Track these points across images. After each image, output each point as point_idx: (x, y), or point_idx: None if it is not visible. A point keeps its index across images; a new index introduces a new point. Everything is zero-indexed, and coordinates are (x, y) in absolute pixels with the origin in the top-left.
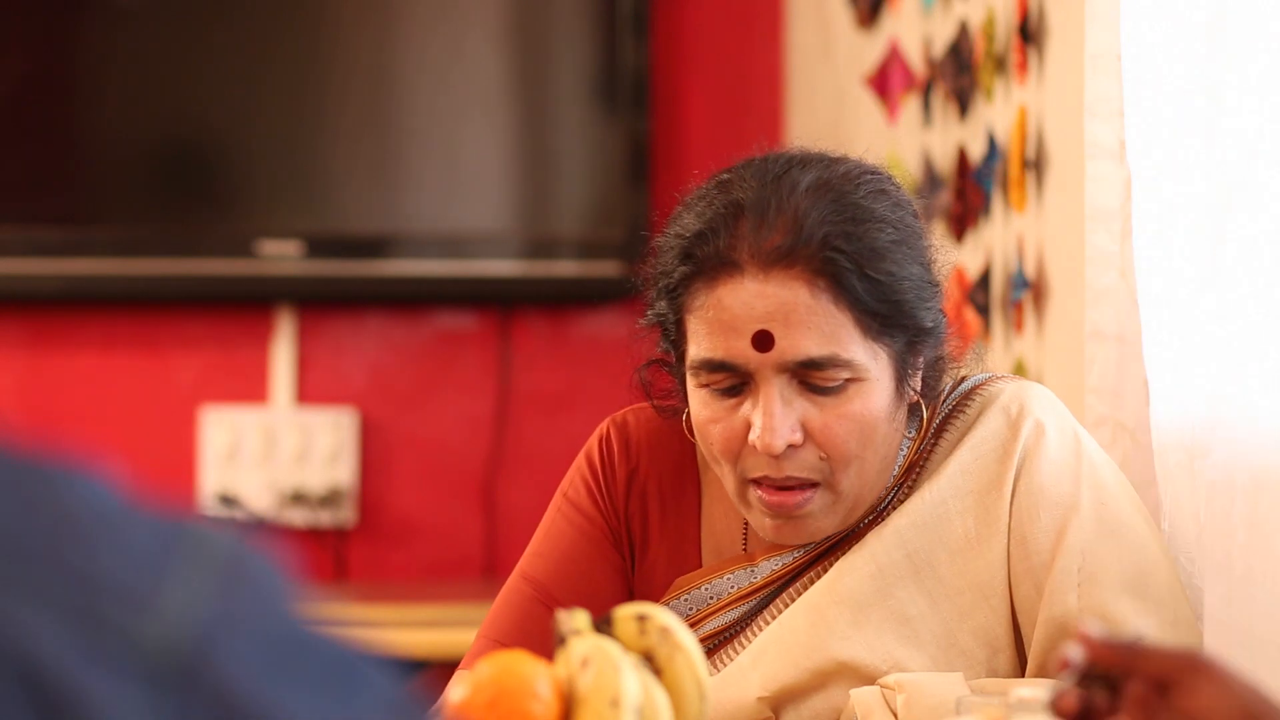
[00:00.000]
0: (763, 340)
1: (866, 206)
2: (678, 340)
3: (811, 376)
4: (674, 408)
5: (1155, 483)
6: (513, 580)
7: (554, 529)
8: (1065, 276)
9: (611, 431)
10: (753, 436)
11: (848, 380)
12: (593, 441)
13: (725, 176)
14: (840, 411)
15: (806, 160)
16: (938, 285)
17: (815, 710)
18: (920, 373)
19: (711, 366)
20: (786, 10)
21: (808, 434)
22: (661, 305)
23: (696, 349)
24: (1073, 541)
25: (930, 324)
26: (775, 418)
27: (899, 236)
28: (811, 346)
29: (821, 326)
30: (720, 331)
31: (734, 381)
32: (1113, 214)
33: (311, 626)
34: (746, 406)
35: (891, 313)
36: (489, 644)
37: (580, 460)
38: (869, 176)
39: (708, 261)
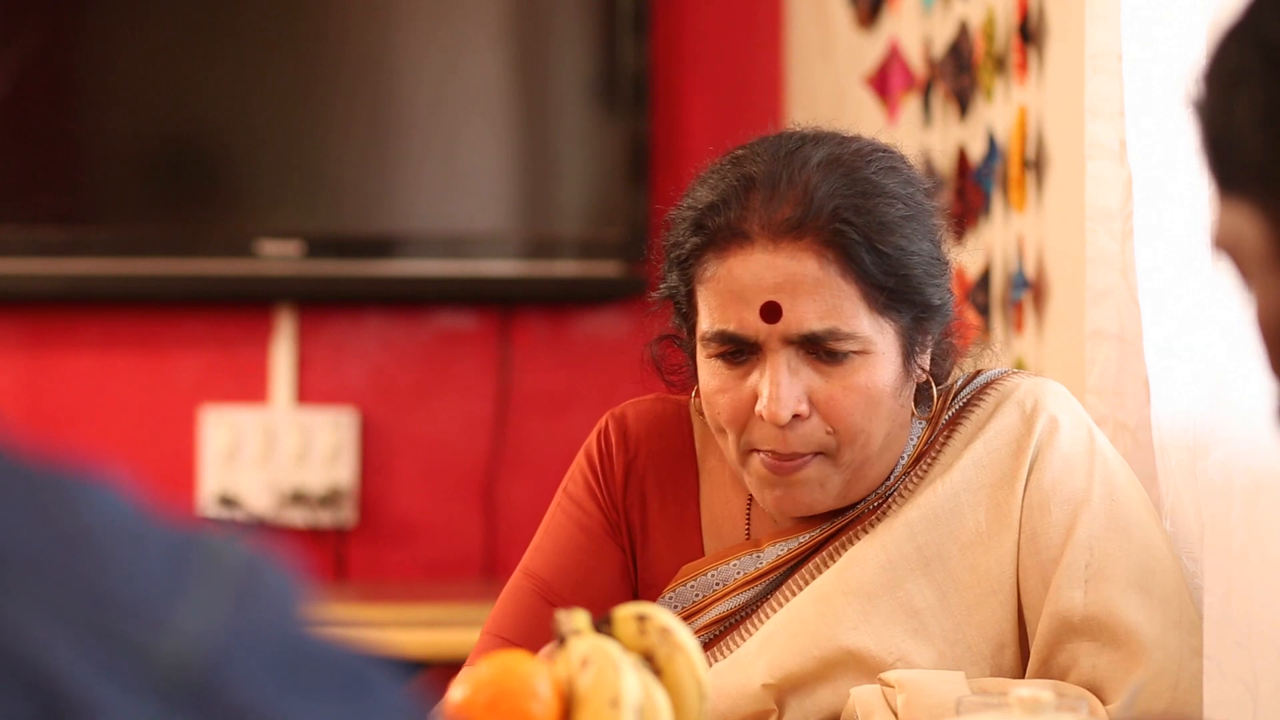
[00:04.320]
0: (771, 311)
1: (877, 182)
2: (688, 313)
3: (818, 348)
4: (684, 383)
5: (1156, 482)
6: (515, 577)
7: (554, 524)
8: (1065, 276)
9: (610, 425)
10: (759, 406)
11: (854, 352)
12: (592, 437)
13: (739, 152)
14: (846, 383)
15: (820, 137)
16: (946, 263)
17: (820, 700)
18: (928, 351)
19: (722, 338)
20: (786, 10)
21: (813, 405)
22: (673, 277)
23: (707, 320)
24: (1082, 536)
25: (938, 301)
26: (782, 387)
27: (909, 212)
28: (817, 319)
29: (828, 299)
30: (730, 302)
31: (743, 352)
32: (1113, 214)
33: (323, 638)
34: (754, 377)
35: (899, 286)
36: (493, 640)
37: (580, 456)
38: (881, 154)
39: (719, 233)
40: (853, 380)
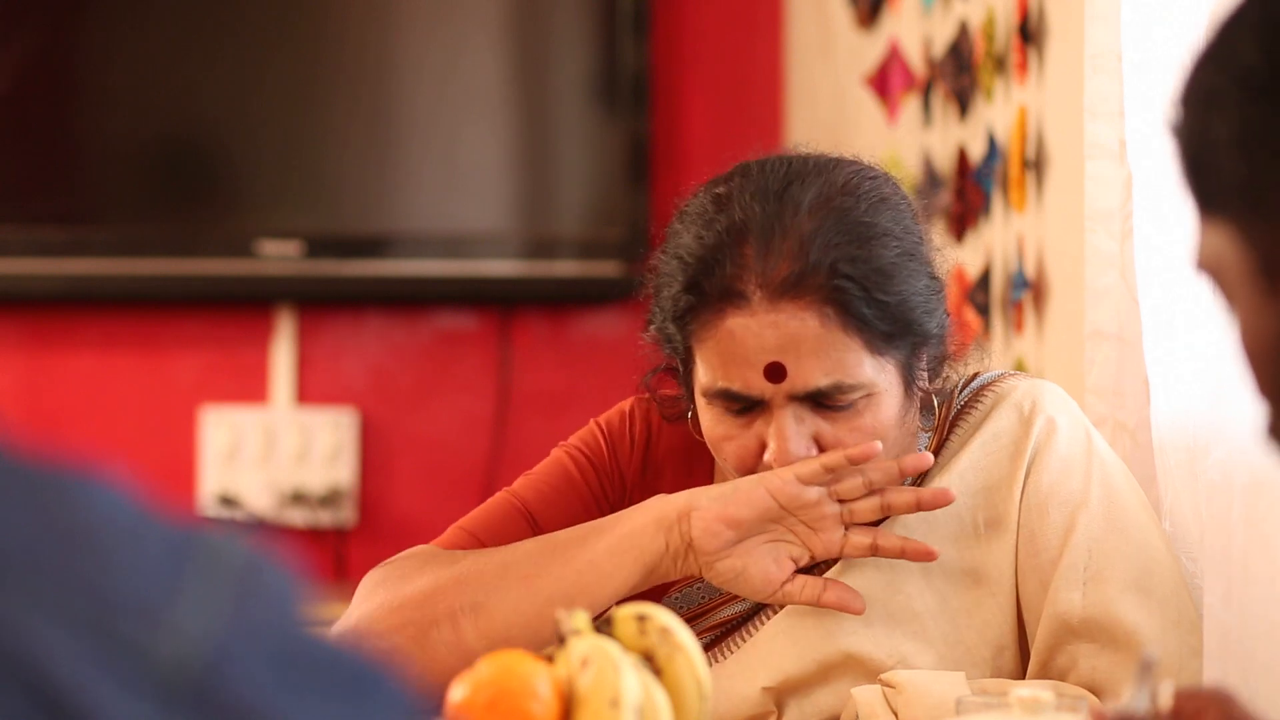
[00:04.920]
0: (775, 372)
1: (870, 222)
2: (685, 359)
3: (824, 399)
4: (680, 412)
5: (1155, 482)
6: (502, 495)
7: (556, 466)
8: (1065, 276)
9: (636, 410)
10: (768, 456)
11: (859, 397)
12: (614, 413)
13: (721, 190)
14: (853, 425)
15: (804, 172)
16: (941, 288)
17: (819, 703)
18: (926, 369)
19: (726, 396)
20: (786, 10)
21: (821, 447)
22: (669, 328)
23: (709, 377)
24: (1080, 538)
25: (936, 329)
26: (790, 440)
27: (904, 248)
28: (822, 375)
29: (830, 354)
30: (732, 363)
31: (747, 406)
32: (1113, 214)
33: (323, 637)
34: (759, 425)
35: (899, 329)
36: (463, 534)
37: (594, 425)
38: (869, 183)
39: (714, 293)
40: (858, 422)
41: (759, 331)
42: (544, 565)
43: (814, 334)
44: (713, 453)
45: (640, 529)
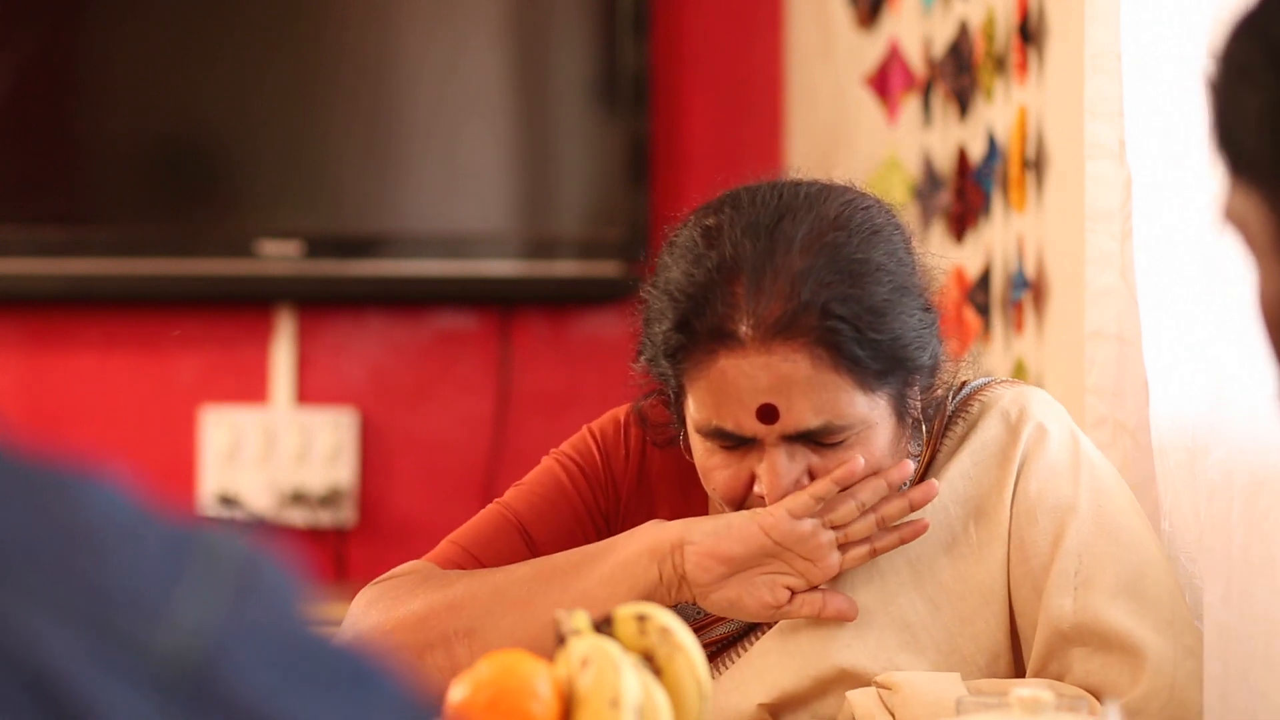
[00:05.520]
0: (768, 414)
1: (863, 259)
2: (678, 392)
3: (816, 437)
4: (670, 438)
5: (1155, 483)
6: (494, 507)
7: (548, 476)
8: (1065, 276)
9: (631, 419)
10: (759, 489)
11: (851, 434)
12: (608, 421)
13: (711, 222)
14: (845, 459)
15: (796, 205)
16: (935, 320)
17: (815, 714)
18: (919, 398)
19: (718, 434)
20: (786, 10)
21: (814, 479)
22: (662, 364)
23: (701, 415)
24: (1070, 544)
25: (929, 361)
26: (782, 477)
27: (896, 282)
28: (814, 417)
29: (822, 394)
30: (724, 404)
31: (739, 442)
32: (1113, 214)
33: (322, 632)
34: (751, 458)
35: (891, 366)
36: (457, 549)
37: (589, 434)
38: (861, 215)
39: (704, 333)
40: (850, 455)
41: (751, 373)
42: (538, 592)
43: (805, 375)
44: (703, 481)
45: (634, 558)
